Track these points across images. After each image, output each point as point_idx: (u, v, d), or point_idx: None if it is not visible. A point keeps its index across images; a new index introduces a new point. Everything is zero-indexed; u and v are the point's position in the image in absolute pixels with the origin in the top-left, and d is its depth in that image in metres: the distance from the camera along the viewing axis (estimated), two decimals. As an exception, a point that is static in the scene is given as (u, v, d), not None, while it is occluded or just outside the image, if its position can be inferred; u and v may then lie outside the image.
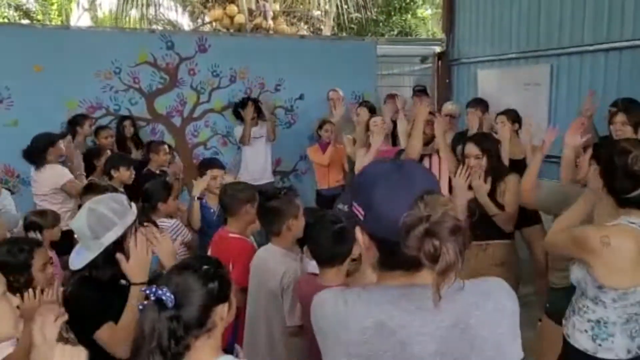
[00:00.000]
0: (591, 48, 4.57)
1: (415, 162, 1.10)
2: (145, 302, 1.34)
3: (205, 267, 1.42)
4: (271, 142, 5.43)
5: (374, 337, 0.98)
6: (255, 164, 5.33)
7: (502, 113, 4.07)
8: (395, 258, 0.98)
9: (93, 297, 1.80)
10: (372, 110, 4.87)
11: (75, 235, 1.90)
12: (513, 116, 4.08)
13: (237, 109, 5.40)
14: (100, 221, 1.81)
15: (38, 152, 4.01)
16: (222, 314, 1.40)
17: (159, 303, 1.32)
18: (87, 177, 4.21)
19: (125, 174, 3.84)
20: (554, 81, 4.99)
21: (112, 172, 3.85)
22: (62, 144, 4.10)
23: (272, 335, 2.23)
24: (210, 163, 3.79)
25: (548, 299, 2.66)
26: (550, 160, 4.16)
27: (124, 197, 2.01)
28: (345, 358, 1.01)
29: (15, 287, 1.90)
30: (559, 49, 4.90)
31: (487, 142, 3.01)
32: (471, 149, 2.93)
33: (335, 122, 5.00)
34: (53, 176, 4.02)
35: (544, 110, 5.01)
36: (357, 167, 4.26)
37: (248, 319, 2.36)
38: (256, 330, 2.29)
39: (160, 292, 1.32)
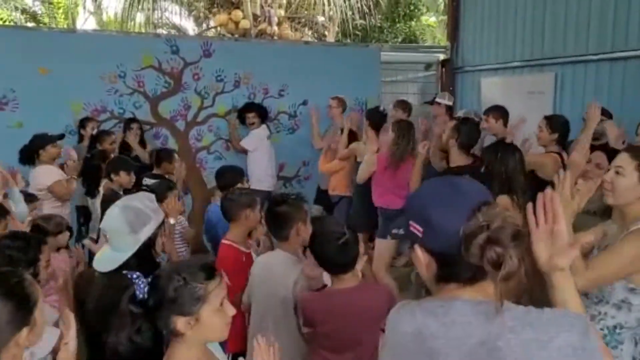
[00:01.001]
0: (596, 57, 4.57)
1: (463, 177, 1.14)
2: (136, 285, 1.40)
3: (184, 274, 1.39)
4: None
5: (411, 343, 1.06)
6: (257, 170, 5.34)
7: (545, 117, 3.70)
8: (452, 270, 1.04)
9: None
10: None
11: (106, 236, 1.89)
12: (552, 124, 3.60)
13: (242, 113, 5.44)
14: (139, 216, 1.85)
15: (31, 151, 4.09)
16: (184, 326, 1.37)
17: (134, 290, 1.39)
18: (96, 180, 4.18)
19: (125, 178, 3.82)
20: (558, 90, 4.99)
21: (112, 175, 3.83)
22: (58, 145, 4.14)
23: (281, 340, 2.21)
24: (238, 171, 3.65)
25: None
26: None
27: (154, 196, 2.08)
28: (389, 358, 1.14)
29: None
30: (564, 57, 4.90)
31: (487, 151, 2.99)
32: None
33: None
34: (43, 176, 4.07)
35: (548, 119, 5.01)
36: (360, 172, 4.25)
37: (253, 326, 2.33)
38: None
39: (137, 281, 1.38)
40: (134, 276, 1.38)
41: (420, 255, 1.07)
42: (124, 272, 1.43)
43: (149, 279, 1.40)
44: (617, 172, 1.88)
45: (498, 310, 0.96)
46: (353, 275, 2.01)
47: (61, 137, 4.34)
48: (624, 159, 1.88)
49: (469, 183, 1.09)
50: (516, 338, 0.96)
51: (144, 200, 1.95)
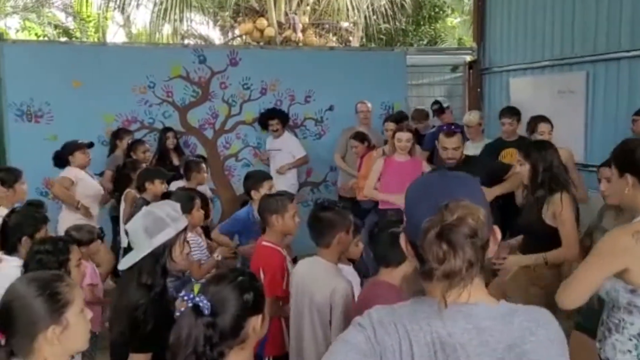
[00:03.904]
0: (629, 54, 4.43)
1: (465, 174, 1.07)
2: (182, 309, 1.37)
3: (240, 278, 1.45)
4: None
5: (438, 353, 0.97)
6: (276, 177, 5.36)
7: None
8: (427, 266, 0.96)
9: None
10: (400, 120, 4.81)
11: (130, 239, 2.04)
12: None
13: (264, 120, 5.46)
14: (156, 222, 1.98)
15: (63, 155, 4.30)
16: (256, 325, 1.42)
17: (196, 310, 1.35)
18: (122, 190, 4.28)
19: (159, 187, 3.89)
20: (589, 89, 4.86)
21: (147, 184, 3.90)
22: (87, 153, 4.33)
23: (317, 347, 2.21)
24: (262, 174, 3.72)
25: (580, 312, 2.48)
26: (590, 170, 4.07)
27: (178, 205, 2.18)
28: None
29: None
30: (595, 55, 4.77)
31: (533, 150, 2.81)
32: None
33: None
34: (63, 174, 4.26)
35: (581, 119, 4.87)
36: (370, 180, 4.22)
37: (293, 330, 2.34)
38: (301, 341, 2.27)
39: (197, 299, 1.36)
40: (190, 296, 1.36)
41: (404, 245, 1.06)
42: (182, 294, 1.41)
43: (205, 294, 1.37)
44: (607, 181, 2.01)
45: (441, 310, 0.93)
46: (391, 273, 1.98)
47: (90, 145, 4.48)
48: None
49: (460, 178, 1.04)
50: (536, 339, 0.96)
51: (166, 209, 2.07)
